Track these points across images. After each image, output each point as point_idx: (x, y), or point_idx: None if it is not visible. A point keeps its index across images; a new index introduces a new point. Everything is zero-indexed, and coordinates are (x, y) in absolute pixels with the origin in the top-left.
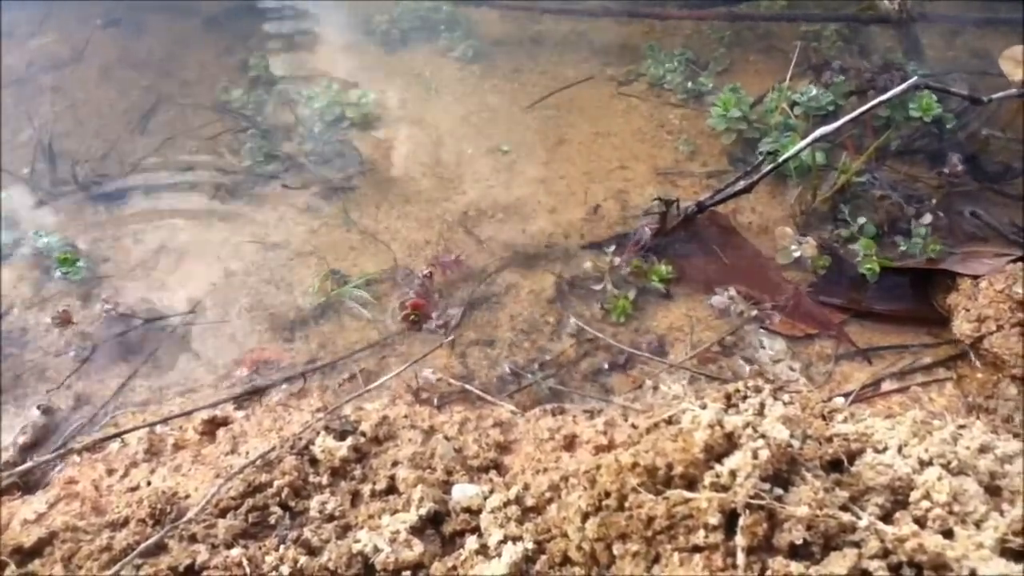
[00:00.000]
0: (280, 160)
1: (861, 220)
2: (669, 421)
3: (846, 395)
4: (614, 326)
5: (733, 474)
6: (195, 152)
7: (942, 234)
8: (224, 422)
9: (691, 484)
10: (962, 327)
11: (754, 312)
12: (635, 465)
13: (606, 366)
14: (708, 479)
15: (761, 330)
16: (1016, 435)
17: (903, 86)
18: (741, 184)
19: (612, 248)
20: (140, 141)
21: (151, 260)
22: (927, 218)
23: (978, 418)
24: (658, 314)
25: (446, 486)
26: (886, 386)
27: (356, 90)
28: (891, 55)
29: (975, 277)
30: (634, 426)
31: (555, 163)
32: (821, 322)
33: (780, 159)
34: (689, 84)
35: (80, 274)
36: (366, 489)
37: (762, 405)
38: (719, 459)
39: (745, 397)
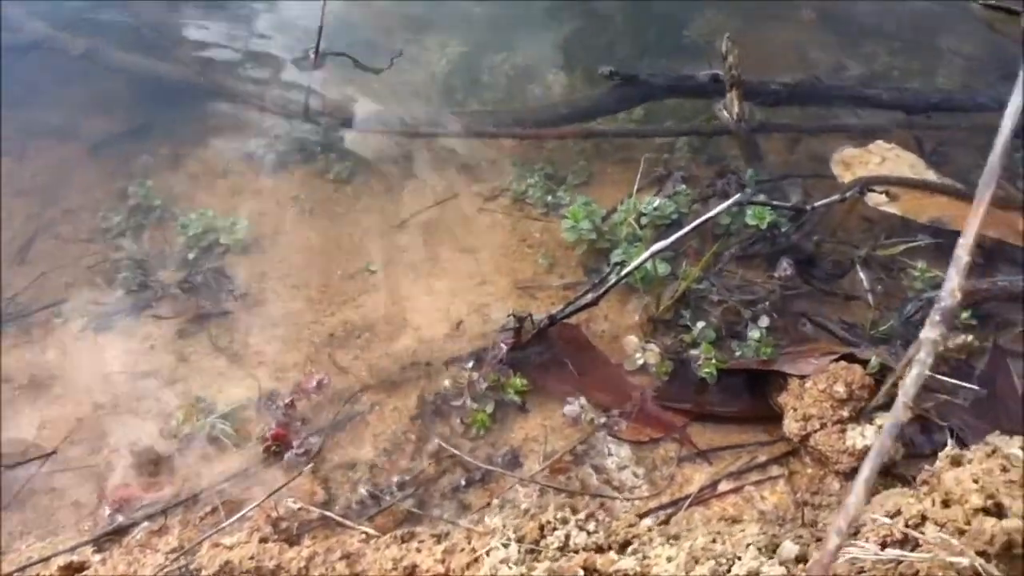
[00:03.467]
0: (154, 289)
1: (701, 325)
2: (476, 559)
3: (685, 498)
4: (473, 440)
5: None
6: (71, 284)
7: (778, 335)
8: (81, 568)
9: None
10: (790, 426)
11: (603, 420)
12: None
13: (464, 482)
14: None
15: (609, 437)
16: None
17: (727, 203)
18: (589, 297)
19: (471, 364)
20: (17, 272)
21: (18, 397)
22: (763, 321)
23: (802, 513)
24: (515, 426)
25: None
26: (723, 486)
27: (231, 216)
28: (735, 163)
29: (802, 377)
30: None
31: (421, 281)
32: (665, 426)
33: (623, 272)
34: (549, 198)
35: None
36: None
37: (567, 537)
38: None
39: (555, 529)
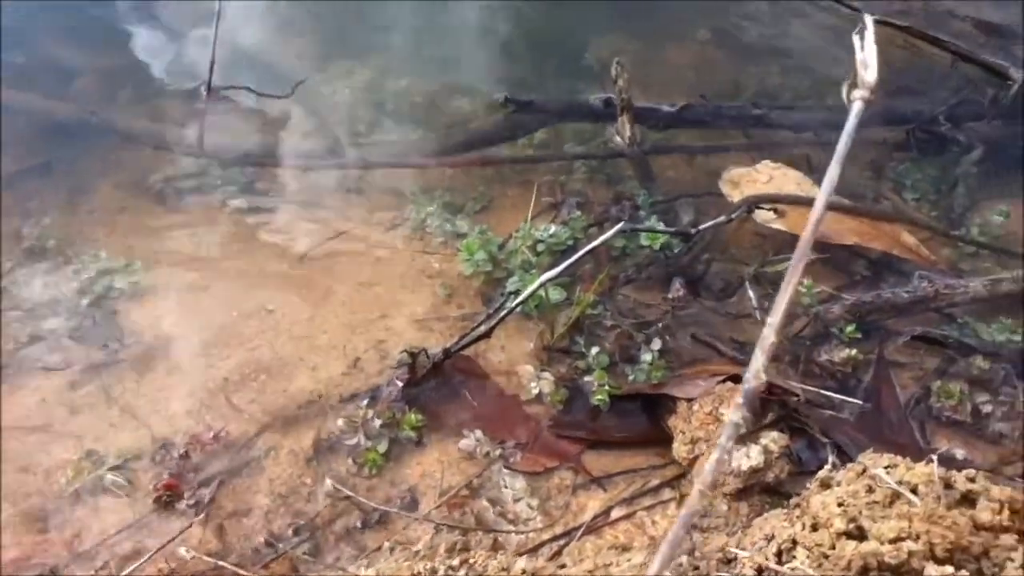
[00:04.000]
0: (44, 340)
1: (595, 351)
2: None
3: (578, 528)
4: (370, 479)
5: None
6: None
7: (671, 357)
8: None
9: None
10: (679, 450)
11: (499, 452)
12: None
13: (359, 524)
14: None
15: (504, 469)
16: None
17: (610, 232)
18: (482, 328)
19: (366, 402)
20: None
21: None
22: (655, 343)
23: (691, 537)
24: (412, 462)
25: None
26: (615, 513)
27: (128, 256)
28: (631, 185)
29: (690, 400)
30: None
31: (319, 318)
32: (559, 455)
33: (513, 303)
34: (447, 227)
35: None
36: None
37: None
38: None
39: (446, 572)
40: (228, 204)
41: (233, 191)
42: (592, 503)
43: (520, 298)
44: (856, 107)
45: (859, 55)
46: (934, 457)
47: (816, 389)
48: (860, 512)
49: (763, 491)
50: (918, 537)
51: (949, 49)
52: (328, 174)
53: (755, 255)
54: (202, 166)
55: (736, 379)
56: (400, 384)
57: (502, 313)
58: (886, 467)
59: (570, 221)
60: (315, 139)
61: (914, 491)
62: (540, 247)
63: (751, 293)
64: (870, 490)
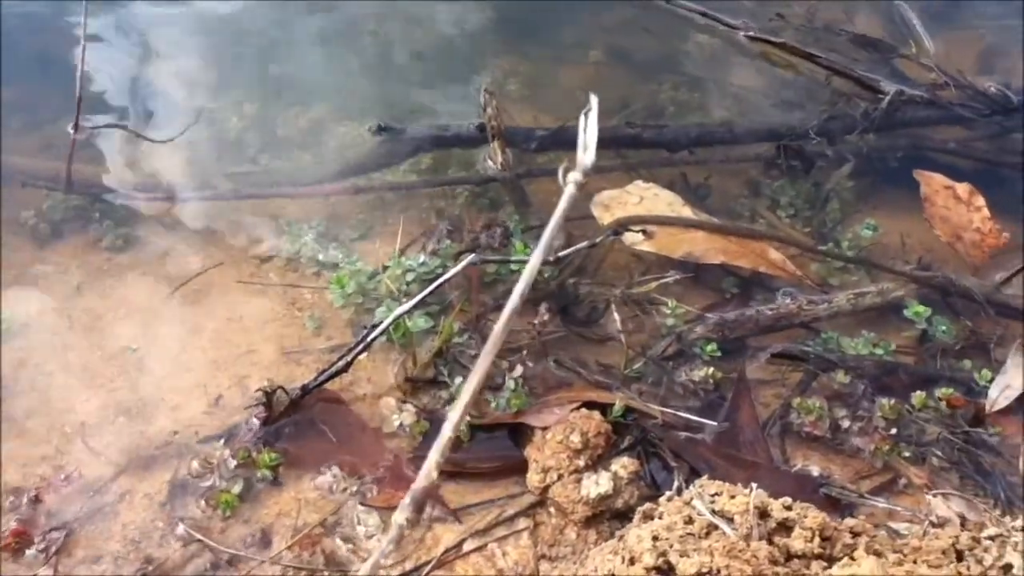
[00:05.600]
0: None
1: (459, 381)
2: None
3: (428, 563)
4: (224, 521)
5: None
6: None
7: (535, 384)
8: None
9: None
10: (532, 479)
11: (355, 487)
12: None
13: (210, 568)
14: None
15: (360, 506)
16: None
17: (462, 264)
18: (340, 364)
19: (223, 441)
20: None
21: None
22: (517, 371)
23: (538, 568)
24: (269, 502)
25: None
26: (468, 545)
27: None
28: (510, 209)
29: (544, 428)
30: None
31: (184, 356)
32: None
33: (370, 337)
34: (321, 256)
35: None
36: None
37: None
38: None
39: None
40: (101, 240)
41: (107, 227)
42: (447, 536)
43: (375, 332)
44: (569, 191)
45: (581, 137)
46: (753, 486)
47: (673, 411)
48: (671, 546)
49: (613, 517)
50: (719, 572)
51: (822, 64)
52: (204, 206)
53: (622, 277)
54: (78, 202)
55: (591, 405)
56: (257, 423)
57: (359, 348)
58: (713, 495)
59: (440, 250)
60: (194, 171)
61: (732, 521)
62: (410, 276)
63: (616, 316)
64: (689, 521)
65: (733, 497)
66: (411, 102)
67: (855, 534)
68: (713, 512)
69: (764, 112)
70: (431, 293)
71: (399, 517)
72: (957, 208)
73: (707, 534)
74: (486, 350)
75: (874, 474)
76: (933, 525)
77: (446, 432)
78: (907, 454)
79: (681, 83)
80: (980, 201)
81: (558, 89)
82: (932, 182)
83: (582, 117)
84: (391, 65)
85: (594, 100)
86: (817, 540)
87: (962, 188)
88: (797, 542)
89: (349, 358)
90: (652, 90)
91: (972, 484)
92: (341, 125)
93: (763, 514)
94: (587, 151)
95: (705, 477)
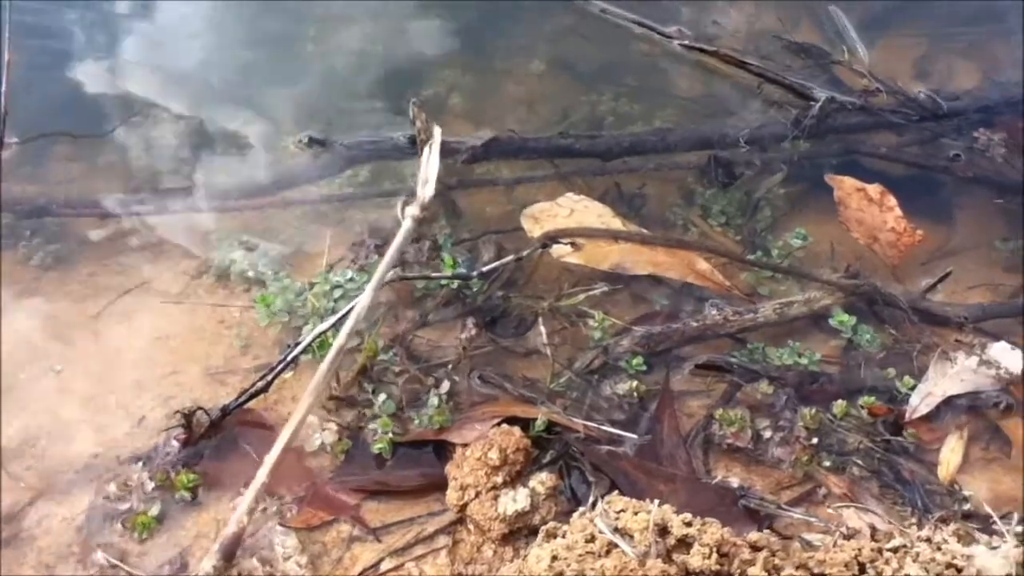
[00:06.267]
0: None
1: (383, 398)
2: None
3: None
4: (142, 544)
5: None
6: None
7: (460, 400)
8: None
9: None
10: (450, 496)
11: (275, 508)
12: None
13: None
14: None
15: (278, 527)
16: None
17: (383, 280)
18: (259, 384)
19: (141, 463)
20: None
21: None
22: (442, 387)
23: None
24: (188, 523)
25: None
26: (386, 565)
27: None
28: (442, 222)
29: (465, 445)
30: None
31: (109, 376)
32: (337, 507)
33: (290, 356)
34: (251, 273)
35: None
36: None
37: None
38: None
39: None
40: (31, 259)
41: (36, 244)
42: (366, 555)
43: (294, 352)
44: (406, 224)
45: (422, 171)
46: (655, 502)
47: (596, 424)
48: (569, 566)
49: (531, 534)
50: None
51: (753, 71)
52: (135, 222)
53: (551, 290)
54: (8, 219)
55: (514, 420)
56: (177, 444)
57: (279, 368)
58: (619, 511)
59: (368, 265)
60: (126, 187)
61: (633, 538)
62: (337, 293)
63: (542, 329)
64: (591, 539)
65: (636, 513)
66: (351, 113)
67: (756, 548)
68: (615, 530)
69: (701, 121)
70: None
71: (206, 565)
72: (870, 209)
73: (607, 552)
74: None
75: (795, 484)
76: (843, 537)
77: (261, 478)
78: (828, 463)
79: (622, 93)
80: (892, 201)
81: (500, 100)
82: (844, 185)
83: (425, 150)
84: (332, 75)
85: (437, 132)
86: (715, 557)
87: (873, 189)
88: (695, 559)
89: (269, 378)
90: (593, 100)
91: (892, 492)
92: (276, 137)
93: (663, 531)
94: (427, 185)
95: (615, 493)
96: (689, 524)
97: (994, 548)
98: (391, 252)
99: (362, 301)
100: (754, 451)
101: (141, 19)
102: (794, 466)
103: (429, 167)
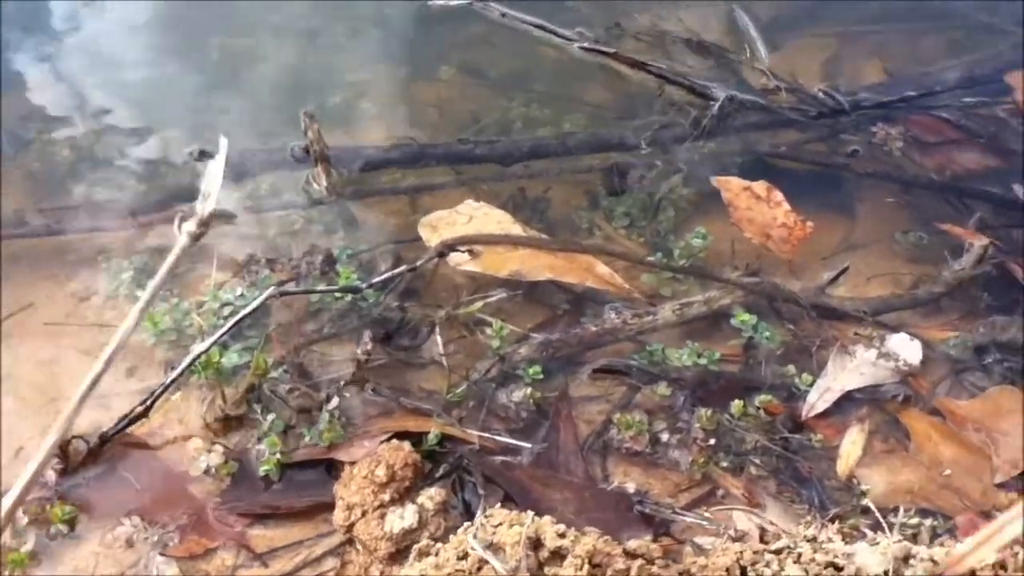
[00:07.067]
0: None
1: (271, 417)
2: None
3: None
4: None
5: None
6: None
7: (353, 415)
8: None
9: None
10: (337, 516)
11: (157, 537)
12: None
13: None
14: None
15: (160, 556)
16: None
17: (262, 297)
18: (139, 409)
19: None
20: None
21: None
22: (333, 403)
23: None
24: (65, 558)
25: None
26: None
27: None
28: (339, 233)
29: (353, 463)
30: None
31: None
32: (222, 534)
33: (170, 379)
34: (140, 293)
35: None
36: None
37: None
38: None
39: None
40: None
41: None
42: None
43: (174, 374)
44: (181, 241)
45: (204, 184)
46: (530, 514)
47: (491, 435)
48: None
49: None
50: None
51: (653, 72)
52: (20, 244)
53: (449, 299)
54: None
55: (405, 435)
56: (53, 475)
57: (159, 392)
58: (497, 525)
59: (259, 281)
60: (7, 205)
61: (505, 553)
62: (227, 310)
63: (438, 339)
64: (464, 556)
65: (512, 527)
66: (254, 123)
67: (632, 556)
68: (488, 545)
69: (609, 125)
70: (236, 327)
71: None
72: (759, 207)
73: (478, 570)
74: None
75: (693, 486)
76: (732, 539)
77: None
78: (725, 464)
79: (532, 99)
80: (779, 196)
81: (411, 106)
82: (730, 186)
83: (209, 163)
84: (237, 84)
85: (223, 143)
86: (587, 568)
87: (759, 186)
88: (567, 571)
89: (149, 402)
90: (503, 106)
91: (790, 490)
92: (171, 151)
93: (537, 543)
94: (207, 200)
95: (498, 506)
96: (563, 535)
97: (874, 544)
98: (163, 270)
99: (127, 324)
100: (652, 454)
101: (41, 33)
102: (692, 468)
103: (211, 181)
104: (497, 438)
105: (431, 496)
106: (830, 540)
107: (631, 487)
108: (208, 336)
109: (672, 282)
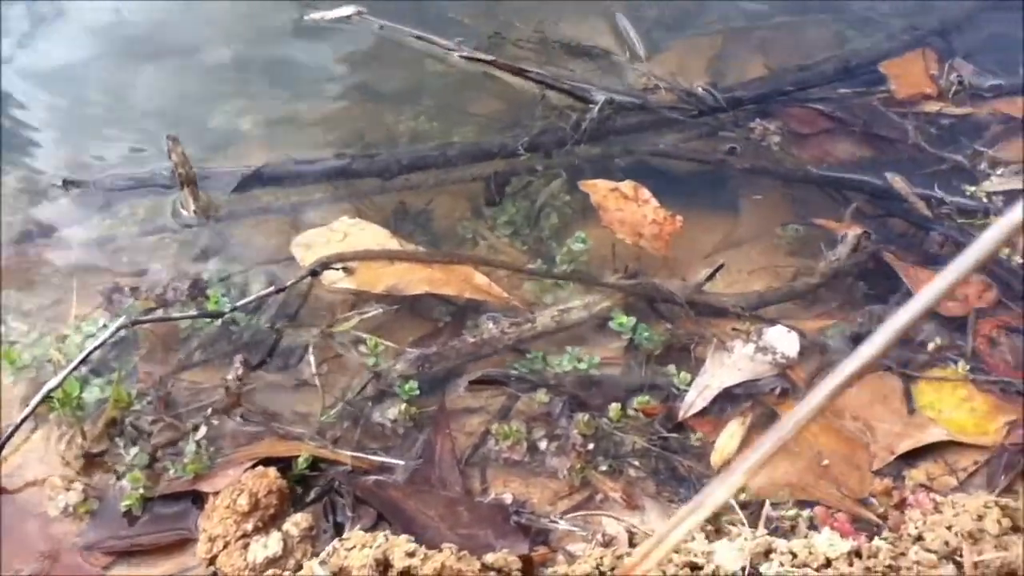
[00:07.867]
0: None
1: (134, 451)
2: None
3: None
4: None
5: None
6: None
7: (224, 444)
8: None
9: None
10: (200, 549)
11: None
12: None
13: None
14: None
15: None
16: None
17: (111, 329)
18: None
19: None
20: None
21: None
22: (199, 432)
23: None
24: None
25: None
26: None
27: None
28: (215, 257)
29: (216, 493)
30: None
31: None
32: (84, 573)
33: (20, 420)
34: (2, 330)
35: None
36: None
37: None
38: None
39: None
40: None
41: None
42: None
43: (24, 414)
44: None
45: None
46: (381, 535)
47: (364, 455)
48: None
49: None
50: None
51: (532, 78)
52: None
53: (324, 317)
54: None
55: (271, 461)
56: None
57: (10, 432)
58: (350, 548)
59: (122, 310)
60: None
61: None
62: (90, 343)
63: (311, 359)
64: None
65: (362, 549)
66: (125, 149)
67: (490, 570)
68: (338, 571)
69: (492, 134)
70: (96, 359)
71: None
72: (628, 207)
73: None
74: None
75: (573, 493)
76: (601, 544)
77: None
78: (604, 468)
79: (421, 112)
80: (646, 194)
81: (295, 126)
82: (597, 189)
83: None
84: (115, 108)
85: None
86: None
87: (626, 186)
88: None
89: (3, 440)
90: (391, 121)
91: (668, 491)
92: (37, 181)
93: (386, 566)
94: None
95: (357, 528)
96: (412, 555)
97: (732, 542)
98: None
99: None
100: (531, 463)
101: None
102: (570, 474)
103: None
104: (371, 457)
105: (296, 522)
106: (692, 539)
107: (509, 498)
108: (78, 370)
109: (554, 288)
